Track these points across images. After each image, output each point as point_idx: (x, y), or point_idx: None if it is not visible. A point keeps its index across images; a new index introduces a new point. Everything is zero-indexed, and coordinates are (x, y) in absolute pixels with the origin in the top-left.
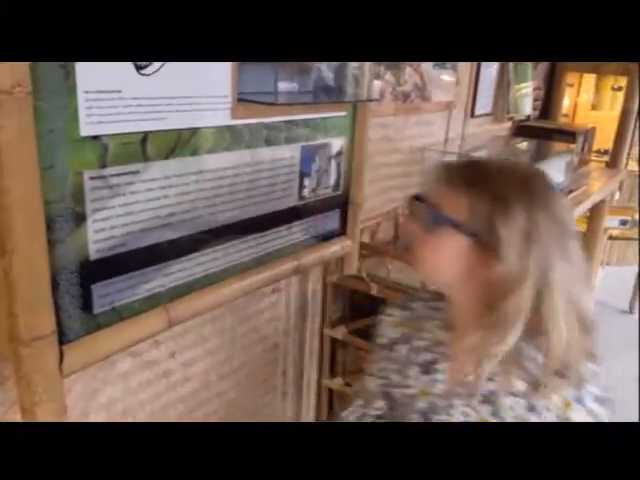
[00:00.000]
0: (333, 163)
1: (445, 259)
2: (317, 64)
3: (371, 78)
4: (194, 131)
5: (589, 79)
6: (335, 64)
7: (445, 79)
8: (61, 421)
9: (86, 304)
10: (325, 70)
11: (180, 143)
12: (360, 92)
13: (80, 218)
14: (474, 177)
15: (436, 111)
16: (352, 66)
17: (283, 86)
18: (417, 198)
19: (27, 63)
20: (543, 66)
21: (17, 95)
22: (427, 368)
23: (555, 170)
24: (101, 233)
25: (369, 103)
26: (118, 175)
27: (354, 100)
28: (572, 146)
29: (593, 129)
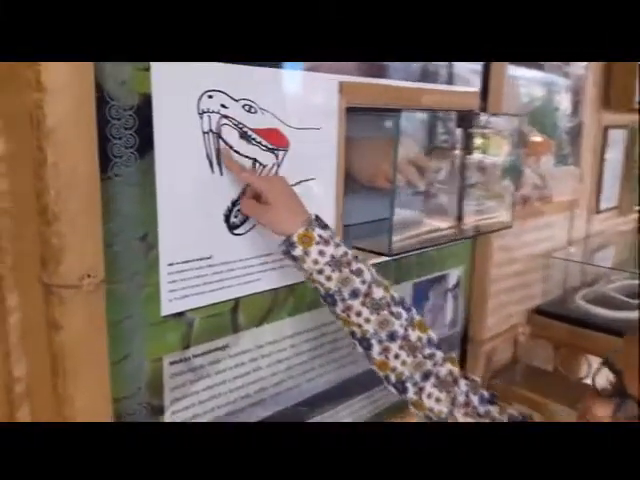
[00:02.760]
0: (449, 297)
1: None
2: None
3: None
4: (292, 288)
5: None
6: (455, 184)
7: (567, 176)
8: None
9: None
10: (442, 195)
11: (276, 305)
12: (485, 220)
13: (157, 412)
14: None
15: (557, 212)
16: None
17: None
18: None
19: (101, 245)
20: None
21: (86, 288)
22: None
23: None
24: None
25: None
26: (203, 354)
27: (476, 233)
28: None
29: None
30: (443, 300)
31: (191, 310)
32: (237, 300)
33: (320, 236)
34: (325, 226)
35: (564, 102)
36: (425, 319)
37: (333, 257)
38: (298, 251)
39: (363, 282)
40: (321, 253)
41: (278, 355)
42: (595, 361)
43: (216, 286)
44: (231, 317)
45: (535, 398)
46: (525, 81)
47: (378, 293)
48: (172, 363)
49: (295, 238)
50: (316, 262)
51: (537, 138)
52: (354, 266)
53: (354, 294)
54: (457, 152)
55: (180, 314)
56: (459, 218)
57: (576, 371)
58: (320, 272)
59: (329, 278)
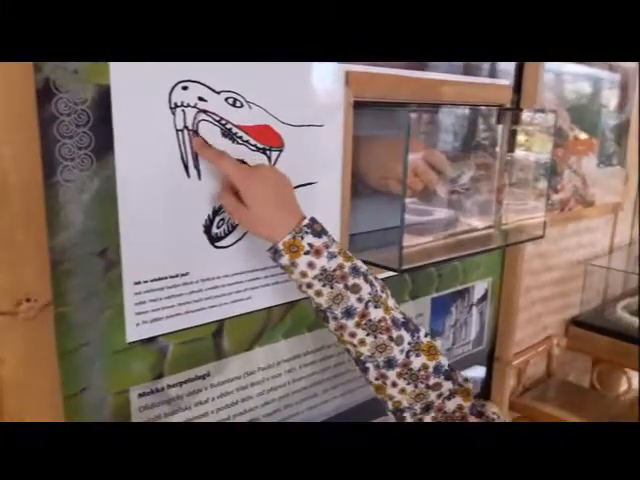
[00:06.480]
0: (474, 312)
1: None
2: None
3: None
4: (289, 306)
5: None
6: (479, 189)
7: (611, 178)
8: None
9: None
10: (465, 200)
11: (270, 326)
12: (514, 232)
13: None
14: None
15: (599, 216)
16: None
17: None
18: None
19: (45, 264)
20: None
21: (24, 314)
22: None
23: None
24: None
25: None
26: (180, 384)
27: (504, 244)
28: None
29: None
30: (467, 315)
31: (164, 335)
32: (221, 322)
33: (310, 245)
34: (320, 232)
35: (610, 98)
36: (440, 339)
37: (324, 270)
38: (284, 260)
39: (359, 300)
40: (310, 265)
41: (272, 382)
42: (635, 376)
43: (194, 307)
44: (214, 341)
45: (566, 417)
46: (567, 75)
47: (376, 314)
48: (141, 395)
49: (281, 246)
50: (304, 275)
51: (578, 136)
52: (350, 281)
53: (348, 313)
54: (481, 154)
55: (150, 340)
56: (480, 228)
57: (614, 387)
58: (309, 286)
59: (319, 293)
